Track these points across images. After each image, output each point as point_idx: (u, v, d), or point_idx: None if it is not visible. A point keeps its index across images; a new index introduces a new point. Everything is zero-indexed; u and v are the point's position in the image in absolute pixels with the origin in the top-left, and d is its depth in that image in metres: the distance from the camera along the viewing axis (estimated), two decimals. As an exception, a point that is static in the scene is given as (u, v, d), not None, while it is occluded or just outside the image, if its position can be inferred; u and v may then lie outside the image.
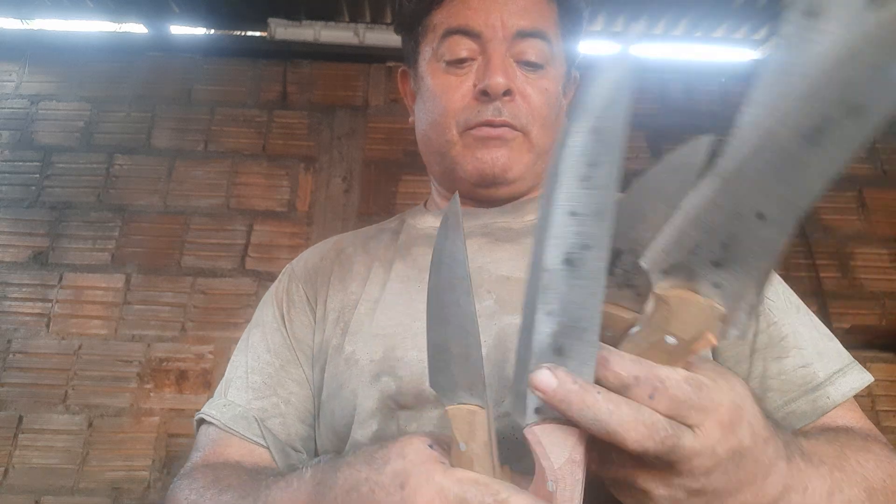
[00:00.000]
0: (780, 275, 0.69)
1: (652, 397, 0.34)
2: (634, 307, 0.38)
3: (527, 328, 0.38)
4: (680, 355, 0.36)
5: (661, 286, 0.35)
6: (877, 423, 1.90)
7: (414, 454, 0.39)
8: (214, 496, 0.54)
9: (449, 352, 0.41)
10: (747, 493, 0.38)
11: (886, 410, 1.95)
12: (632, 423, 0.33)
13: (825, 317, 2.00)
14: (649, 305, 0.36)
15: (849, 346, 0.63)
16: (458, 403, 0.40)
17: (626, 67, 0.35)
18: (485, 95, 0.67)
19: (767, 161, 0.29)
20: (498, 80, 0.66)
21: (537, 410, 0.37)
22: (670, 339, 0.35)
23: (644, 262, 0.35)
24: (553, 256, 0.36)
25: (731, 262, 0.32)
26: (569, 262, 0.36)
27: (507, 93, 0.67)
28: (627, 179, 0.40)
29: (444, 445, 0.41)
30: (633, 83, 0.35)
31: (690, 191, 0.33)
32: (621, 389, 0.34)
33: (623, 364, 0.35)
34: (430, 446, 0.40)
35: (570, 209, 0.36)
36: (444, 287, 0.41)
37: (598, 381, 0.35)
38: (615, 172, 0.35)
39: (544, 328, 0.37)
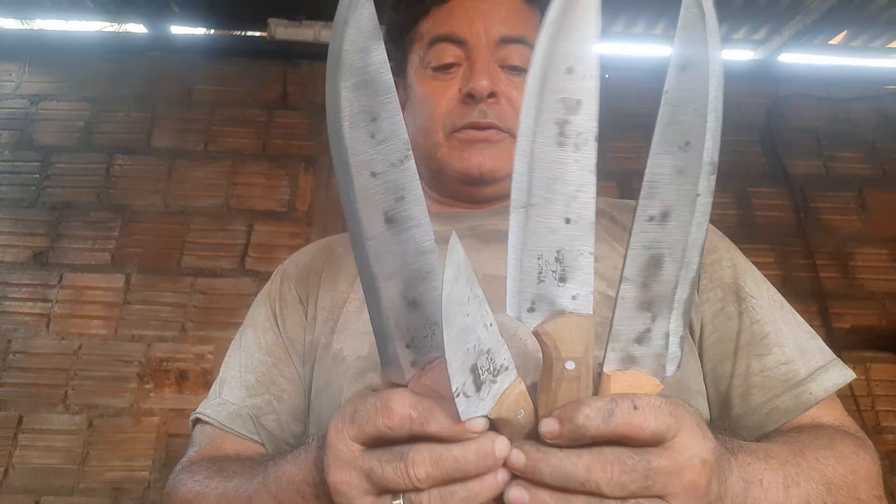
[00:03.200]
0: (780, 275, 0.69)
1: (636, 407, 0.35)
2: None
3: (374, 299, 0.38)
4: None
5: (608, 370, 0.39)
6: (876, 423, 1.90)
7: (353, 395, 0.41)
8: (221, 484, 0.55)
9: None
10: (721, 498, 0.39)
11: (886, 410, 1.95)
12: (599, 465, 0.34)
13: (825, 317, 2.00)
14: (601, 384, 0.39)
15: (849, 346, 0.63)
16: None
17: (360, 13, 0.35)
18: (470, 98, 0.69)
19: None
20: (483, 83, 0.68)
21: (413, 363, 0.38)
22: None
23: (605, 368, 0.39)
24: (372, 222, 0.37)
25: (658, 312, 0.39)
26: (389, 220, 0.36)
27: (492, 95, 0.69)
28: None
29: None
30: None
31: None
32: (596, 421, 0.35)
33: (584, 403, 0.36)
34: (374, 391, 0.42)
35: (370, 171, 0.36)
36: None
37: (571, 437, 0.35)
38: (398, 119, 0.36)
39: (391, 293, 0.37)
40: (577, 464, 0.34)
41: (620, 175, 2.07)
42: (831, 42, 2.29)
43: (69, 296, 1.94)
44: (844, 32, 2.24)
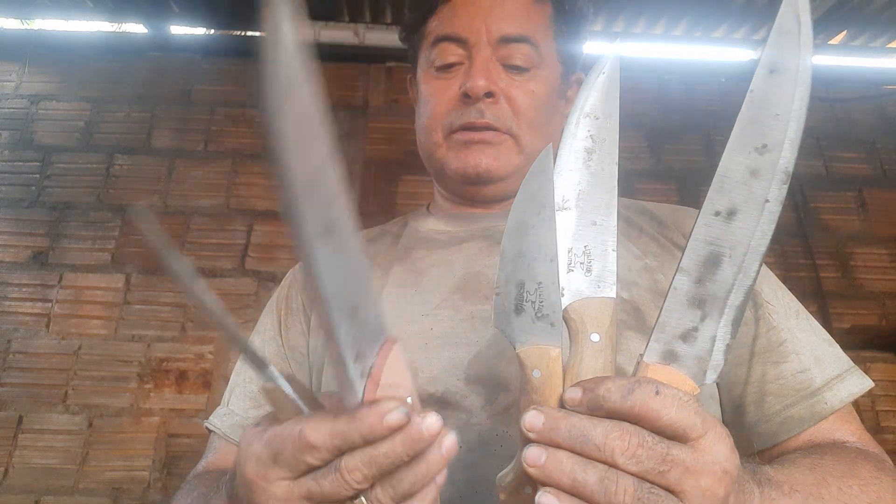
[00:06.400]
0: (780, 275, 0.69)
1: (658, 392, 0.34)
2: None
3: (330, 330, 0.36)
4: None
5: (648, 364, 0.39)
6: (876, 423, 1.90)
7: (243, 440, 0.39)
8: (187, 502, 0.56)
9: None
10: None
11: (886, 410, 1.95)
12: (617, 433, 0.34)
13: (825, 317, 2.00)
14: (634, 370, 0.39)
15: (849, 346, 0.63)
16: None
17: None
18: (467, 98, 0.69)
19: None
20: (478, 83, 0.67)
21: (362, 374, 0.36)
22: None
23: (645, 359, 0.38)
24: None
25: (703, 324, 0.38)
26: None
27: (490, 94, 0.68)
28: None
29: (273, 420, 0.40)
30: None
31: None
32: (615, 395, 0.35)
33: (609, 377, 0.36)
34: (257, 425, 0.40)
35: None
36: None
37: (590, 406, 0.36)
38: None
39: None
40: (596, 426, 0.34)
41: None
42: (831, 42, 2.29)
43: (69, 296, 1.94)
44: (844, 32, 2.24)
